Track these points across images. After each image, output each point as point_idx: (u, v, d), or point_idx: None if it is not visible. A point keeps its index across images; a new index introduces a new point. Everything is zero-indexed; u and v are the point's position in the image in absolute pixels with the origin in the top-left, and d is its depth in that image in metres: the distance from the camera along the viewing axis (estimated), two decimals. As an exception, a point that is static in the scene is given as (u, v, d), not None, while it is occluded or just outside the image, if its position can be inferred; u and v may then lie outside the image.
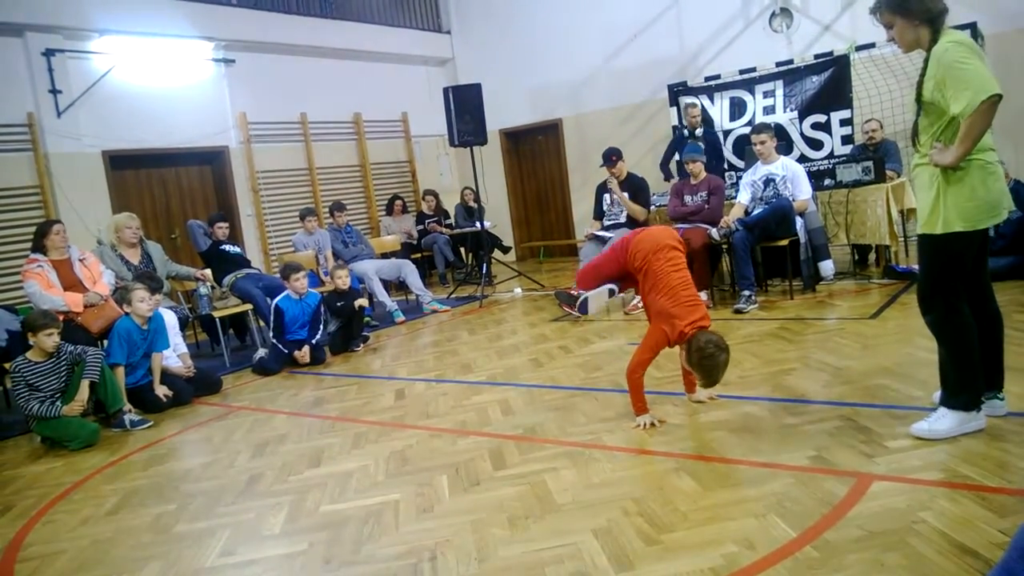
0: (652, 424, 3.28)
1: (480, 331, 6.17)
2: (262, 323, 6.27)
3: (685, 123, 7.23)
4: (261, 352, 5.75)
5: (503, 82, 10.59)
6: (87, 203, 7.27)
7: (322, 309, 5.89)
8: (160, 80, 8.11)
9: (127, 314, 4.79)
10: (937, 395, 3.07)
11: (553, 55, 10.36)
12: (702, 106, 7.53)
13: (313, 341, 5.70)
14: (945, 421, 2.72)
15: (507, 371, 4.72)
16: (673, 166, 7.54)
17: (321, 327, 5.83)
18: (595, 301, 3.68)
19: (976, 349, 2.72)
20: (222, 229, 6.71)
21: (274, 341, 5.65)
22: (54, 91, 7.20)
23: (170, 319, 5.20)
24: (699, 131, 7.21)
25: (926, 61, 2.65)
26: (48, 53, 7.16)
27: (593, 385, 4.12)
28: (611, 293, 3.73)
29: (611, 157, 6.53)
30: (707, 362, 3.06)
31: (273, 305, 5.70)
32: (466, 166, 9.47)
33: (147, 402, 4.76)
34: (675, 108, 7.93)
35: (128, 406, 4.57)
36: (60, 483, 3.63)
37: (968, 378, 2.71)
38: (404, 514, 2.73)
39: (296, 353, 5.58)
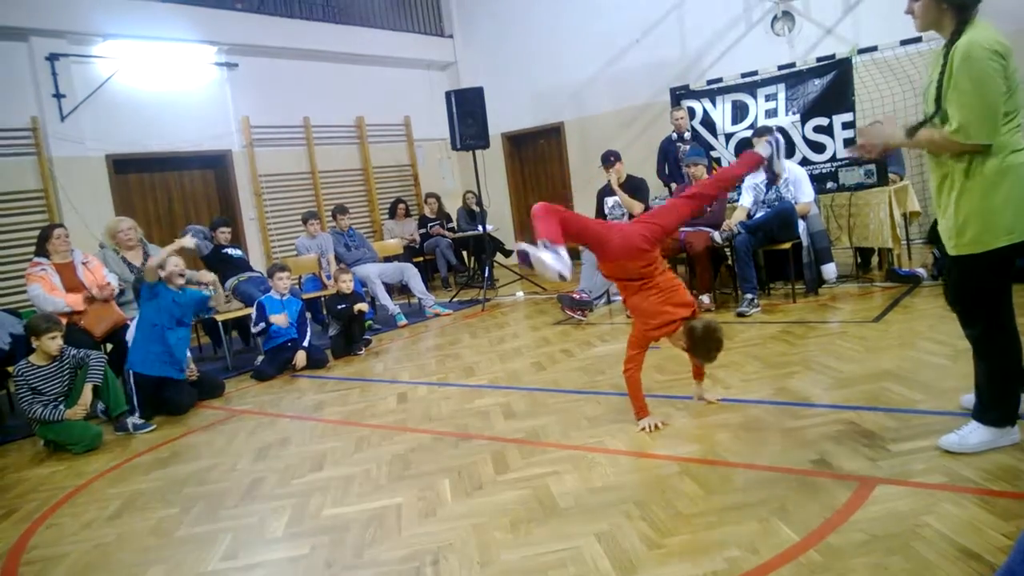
0: (656, 426, 3.29)
1: (482, 335, 6.17)
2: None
3: (673, 128, 7.29)
4: (261, 359, 5.76)
5: (505, 85, 10.60)
6: (90, 207, 7.27)
7: (306, 313, 5.90)
8: (163, 84, 8.13)
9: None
10: (965, 398, 2.98)
11: (555, 58, 10.37)
12: (704, 109, 7.53)
13: (304, 343, 5.71)
14: (977, 435, 2.57)
15: (509, 375, 4.72)
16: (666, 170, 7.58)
17: (308, 329, 5.85)
18: (541, 262, 2.95)
19: (1017, 364, 2.54)
20: (224, 233, 6.73)
21: (264, 347, 5.68)
22: (58, 95, 7.22)
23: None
24: (687, 134, 7.24)
25: (946, 55, 2.44)
26: (52, 57, 7.18)
27: (595, 388, 4.12)
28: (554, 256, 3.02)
29: (610, 158, 6.55)
30: (707, 344, 3.20)
31: (256, 303, 5.73)
32: (468, 169, 9.48)
33: (170, 403, 4.76)
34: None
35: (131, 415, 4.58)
36: (63, 487, 3.64)
37: (1005, 394, 2.56)
38: (406, 518, 2.73)
39: (297, 356, 5.60)
